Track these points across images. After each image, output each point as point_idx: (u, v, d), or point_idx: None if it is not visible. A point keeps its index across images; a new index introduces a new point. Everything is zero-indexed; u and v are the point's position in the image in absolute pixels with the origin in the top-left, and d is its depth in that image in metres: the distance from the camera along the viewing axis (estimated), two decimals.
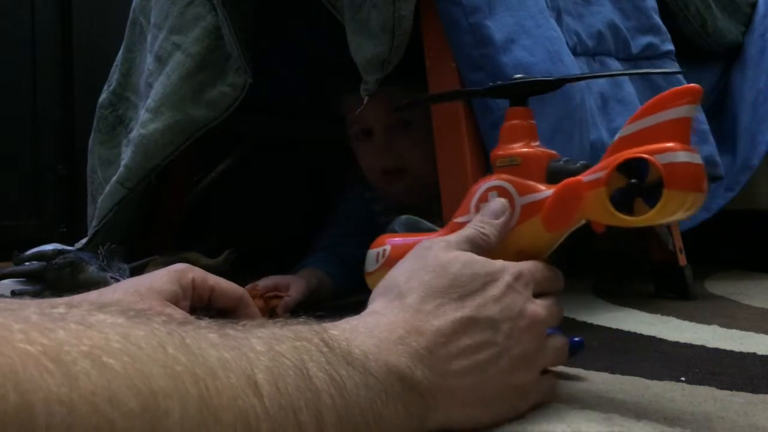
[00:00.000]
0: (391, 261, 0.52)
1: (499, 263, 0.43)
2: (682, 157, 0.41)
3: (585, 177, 0.44)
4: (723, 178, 0.98)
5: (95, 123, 1.19)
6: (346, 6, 0.75)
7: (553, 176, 0.48)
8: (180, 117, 0.99)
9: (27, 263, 0.97)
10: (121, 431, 0.21)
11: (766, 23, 1.19)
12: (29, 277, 0.95)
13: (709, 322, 0.74)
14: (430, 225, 0.56)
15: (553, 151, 0.50)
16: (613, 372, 0.54)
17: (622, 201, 0.42)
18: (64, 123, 1.94)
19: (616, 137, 0.44)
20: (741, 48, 1.20)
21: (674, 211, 0.41)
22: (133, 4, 1.16)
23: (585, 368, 0.55)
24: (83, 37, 1.95)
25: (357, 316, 0.39)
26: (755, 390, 0.48)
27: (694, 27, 1.09)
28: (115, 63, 1.20)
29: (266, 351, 0.29)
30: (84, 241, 1.12)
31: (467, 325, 0.38)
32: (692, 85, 0.43)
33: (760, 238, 1.29)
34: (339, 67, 0.83)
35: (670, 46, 0.94)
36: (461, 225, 0.49)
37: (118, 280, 0.87)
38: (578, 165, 0.47)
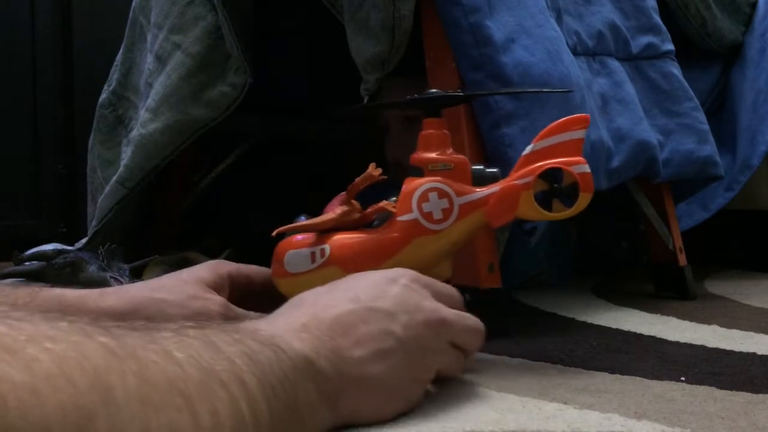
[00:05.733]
0: (334, 259, 0.55)
1: (394, 270, 0.46)
2: (587, 168, 0.55)
3: (516, 182, 0.55)
4: (723, 178, 0.98)
5: (95, 123, 1.19)
6: (346, 6, 0.75)
7: (477, 180, 0.57)
8: (180, 117, 0.99)
9: (27, 263, 0.97)
10: (83, 404, 0.23)
11: (766, 23, 1.19)
12: (29, 277, 0.95)
13: (709, 322, 0.74)
14: None
15: (465, 158, 0.58)
16: (613, 372, 0.54)
17: (542, 201, 0.54)
18: (64, 123, 1.94)
19: (528, 151, 0.55)
20: (741, 48, 1.20)
21: (582, 209, 0.55)
22: (133, 3, 1.16)
23: (585, 368, 0.55)
24: (83, 37, 1.95)
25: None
26: (755, 390, 0.48)
27: (694, 27, 1.09)
28: (115, 63, 1.20)
29: (173, 335, 0.30)
30: (84, 241, 1.12)
31: (364, 314, 0.40)
32: (584, 115, 0.56)
33: (760, 238, 1.29)
34: (338, 66, 0.83)
35: (670, 46, 0.94)
36: (407, 223, 0.55)
37: (118, 280, 0.87)
38: (495, 171, 0.57)
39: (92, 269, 0.90)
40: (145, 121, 1.01)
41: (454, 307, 0.46)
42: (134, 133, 1.05)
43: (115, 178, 1.06)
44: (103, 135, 1.17)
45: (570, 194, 0.54)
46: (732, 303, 0.89)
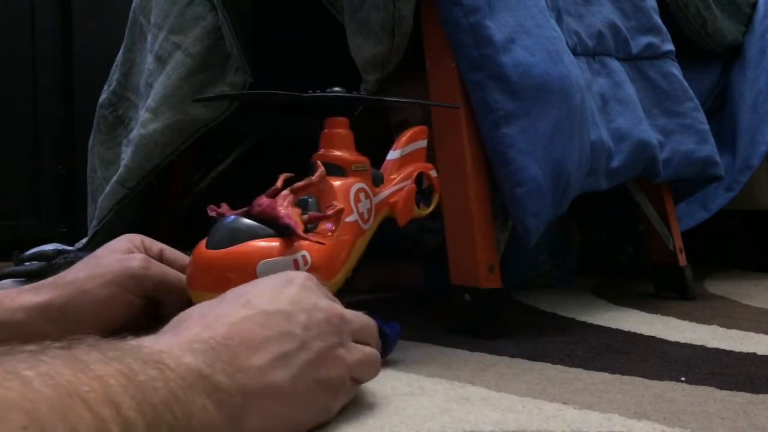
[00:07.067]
0: (315, 267, 0.50)
1: (287, 272, 0.43)
2: (435, 173, 0.67)
3: (412, 184, 0.64)
4: (723, 178, 0.98)
5: (95, 123, 1.19)
6: (346, 6, 0.75)
7: (374, 180, 0.61)
8: (180, 117, 0.99)
9: (27, 263, 0.97)
10: None
11: (766, 24, 1.19)
12: (29, 277, 0.95)
13: (709, 322, 0.74)
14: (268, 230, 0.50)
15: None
16: (613, 372, 0.54)
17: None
18: (64, 123, 1.94)
19: (397, 156, 0.64)
20: (741, 48, 1.20)
21: (436, 206, 0.67)
22: (133, 4, 1.16)
23: (585, 368, 0.55)
24: (83, 37, 1.95)
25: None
26: (755, 390, 0.48)
27: (694, 27, 1.09)
28: (115, 63, 1.20)
29: (28, 356, 0.27)
30: (84, 241, 1.12)
31: (259, 318, 0.37)
32: (426, 126, 0.68)
33: (761, 238, 1.29)
34: (338, 66, 0.83)
35: (671, 46, 0.94)
36: (351, 224, 0.55)
37: None
38: (381, 173, 0.63)
39: None
40: (145, 121, 1.01)
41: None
42: (134, 133, 1.05)
43: (115, 178, 1.06)
44: (103, 135, 1.17)
45: (427, 195, 0.65)
46: (732, 303, 0.89)
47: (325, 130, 0.59)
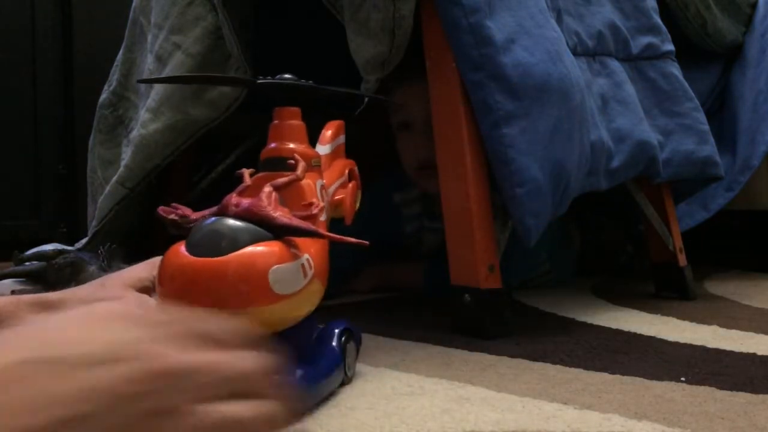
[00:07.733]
0: (317, 272, 0.45)
1: (133, 297, 0.36)
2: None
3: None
4: (723, 178, 0.98)
5: (95, 123, 1.19)
6: (346, 6, 0.75)
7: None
8: (180, 117, 0.99)
9: (27, 263, 0.97)
10: None
11: (766, 24, 1.19)
12: (29, 277, 0.95)
13: (709, 322, 0.74)
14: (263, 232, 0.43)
15: None
16: (613, 372, 0.54)
17: None
18: (64, 123, 1.94)
19: (329, 150, 0.61)
20: (741, 48, 1.20)
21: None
22: (134, 4, 1.16)
23: (585, 368, 0.55)
24: (83, 37, 1.95)
25: None
26: (755, 390, 0.48)
27: (694, 27, 1.09)
28: (116, 63, 1.20)
29: None
30: (84, 241, 1.12)
31: (41, 366, 0.24)
32: (343, 121, 0.65)
33: (760, 238, 1.29)
34: (339, 66, 0.83)
35: (670, 46, 0.94)
36: (324, 224, 0.53)
37: None
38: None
39: (92, 269, 0.90)
40: (145, 122, 1.01)
41: (227, 345, 0.28)
42: (134, 134, 1.05)
43: (115, 178, 1.06)
44: (103, 135, 1.17)
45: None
46: (732, 303, 0.89)
47: (276, 122, 0.53)
